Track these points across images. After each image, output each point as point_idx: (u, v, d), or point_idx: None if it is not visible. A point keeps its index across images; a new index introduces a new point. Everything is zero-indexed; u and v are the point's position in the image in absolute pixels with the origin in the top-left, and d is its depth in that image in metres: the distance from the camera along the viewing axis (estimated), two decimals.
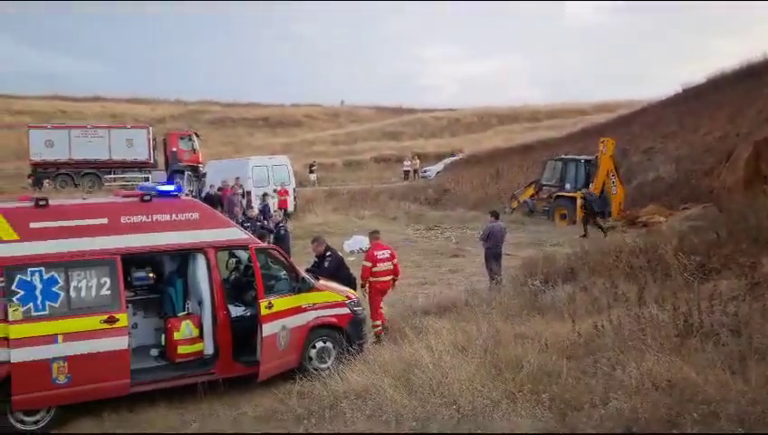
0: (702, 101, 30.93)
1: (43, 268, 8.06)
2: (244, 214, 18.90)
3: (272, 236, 16.10)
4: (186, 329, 9.22)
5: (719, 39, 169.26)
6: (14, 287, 7.87)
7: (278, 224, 18.69)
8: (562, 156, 29.25)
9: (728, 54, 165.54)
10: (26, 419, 8.08)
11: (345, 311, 10.17)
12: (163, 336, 9.47)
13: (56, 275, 8.12)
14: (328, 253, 11.76)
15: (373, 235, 12.41)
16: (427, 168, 42.85)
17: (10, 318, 7.78)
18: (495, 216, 15.88)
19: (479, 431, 6.33)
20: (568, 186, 27.34)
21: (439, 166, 42.33)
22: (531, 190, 29.25)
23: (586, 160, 27.44)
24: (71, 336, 8.04)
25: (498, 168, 36.12)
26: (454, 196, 33.90)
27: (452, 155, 44.70)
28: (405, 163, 43.13)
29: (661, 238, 13.85)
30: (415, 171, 42.50)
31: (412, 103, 74.71)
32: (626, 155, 30.01)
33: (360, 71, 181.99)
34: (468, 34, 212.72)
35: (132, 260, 9.19)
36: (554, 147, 34.86)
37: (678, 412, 6.22)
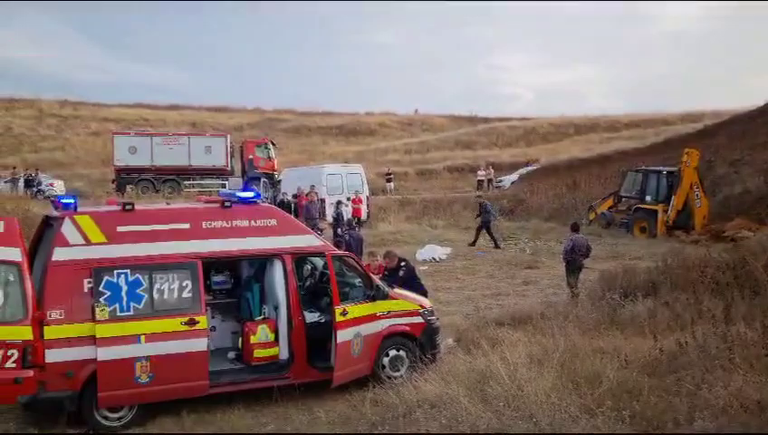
0: None
1: (128, 270, 8.34)
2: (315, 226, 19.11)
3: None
4: (262, 333, 9.38)
5: None
6: (101, 288, 8.18)
7: (347, 230, 18.87)
8: (643, 167, 28.43)
9: None
10: (110, 415, 8.37)
11: (419, 320, 10.14)
12: (240, 340, 9.67)
13: (140, 278, 8.39)
14: (402, 263, 11.79)
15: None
16: (502, 178, 42.41)
17: (97, 317, 8.09)
18: (575, 228, 15.56)
19: None
20: (649, 198, 26.57)
21: (514, 176, 41.83)
22: (609, 202, 28.57)
23: (668, 172, 26.60)
24: (153, 337, 8.29)
25: (575, 178, 35.35)
26: (529, 206, 33.37)
27: (527, 165, 44.12)
28: (479, 173, 42.77)
29: (749, 253, 13.23)
30: (489, 181, 42.11)
31: (487, 112, 74.15)
32: (711, 167, 28.89)
33: (435, 79, 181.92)
34: (546, 42, 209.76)
35: (212, 264, 9.44)
36: (635, 157, 33.87)
37: None
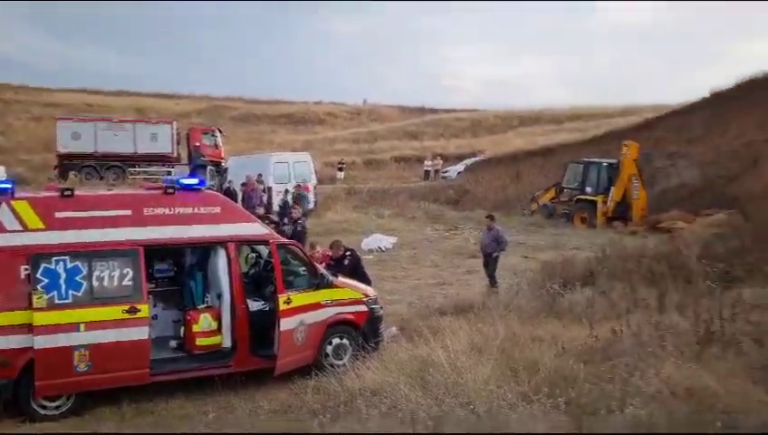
0: (730, 107, 30.37)
1: (67, 257, 8.17)
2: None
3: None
4: (204, 322, 9.31)
5: (750, 42, 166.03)
6: (38, 275, 7.99)
7: (296, 220, 18.76)
8: (584, 159, 29.06)
9: (759, 58, 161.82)
10: (48, 404, 8.23)
11: (363, 308, 10.20)
12: (182, 328, 9.57)
13: (80, 265, 8.23)
14: (347, 252, 11.85)
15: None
16: (448, 168, 42.80)
17: (34, 305, 7.90)
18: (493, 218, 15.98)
19: (494, 432, 6.30)
20: (589, 189, 27.21)
21: (460, 166, 42.23)
22: (551, 193, 29.14)
23: (608, 164, 27.28)
24: (93, 325, 8.16)
25: (519, 170, 35.91)
26: (474, 197, 33.76)
27: (473, 156, 44.56)
28: (426, 163, 43.08)
29: (684, 244, 13.71)
30: (435, 172, 42.45)
31: (435, 104, 74.24)
32: (649, 160, 29.66)
33: (386, 70, 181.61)
34: (494, 35, 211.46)
35: (154, 252, 9.30)
36: (576, 149, 34.50)
37: (697, 421, 6.16)
